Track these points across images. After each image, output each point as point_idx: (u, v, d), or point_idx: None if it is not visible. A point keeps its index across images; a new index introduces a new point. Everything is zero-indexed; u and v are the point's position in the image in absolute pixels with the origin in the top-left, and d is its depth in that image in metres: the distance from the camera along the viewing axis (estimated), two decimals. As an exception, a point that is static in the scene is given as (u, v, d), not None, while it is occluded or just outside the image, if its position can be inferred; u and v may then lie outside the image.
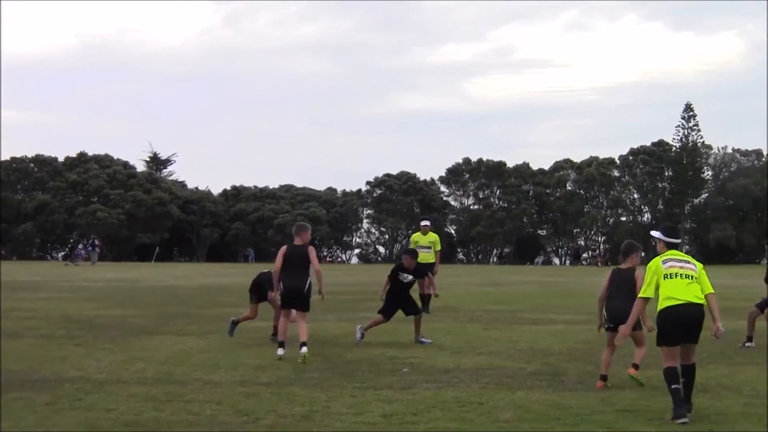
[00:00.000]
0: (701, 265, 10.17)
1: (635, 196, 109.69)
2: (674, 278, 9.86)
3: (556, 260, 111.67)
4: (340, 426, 9.29)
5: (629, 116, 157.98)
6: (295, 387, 11.50)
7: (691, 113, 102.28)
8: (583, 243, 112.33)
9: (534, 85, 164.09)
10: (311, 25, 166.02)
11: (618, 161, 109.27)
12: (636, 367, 11.72)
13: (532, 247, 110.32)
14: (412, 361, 13.90)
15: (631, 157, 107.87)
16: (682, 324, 9.73)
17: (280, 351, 14.05)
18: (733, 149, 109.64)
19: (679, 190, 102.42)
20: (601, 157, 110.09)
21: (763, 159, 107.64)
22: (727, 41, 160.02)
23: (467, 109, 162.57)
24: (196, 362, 13.78)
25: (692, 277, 9.90)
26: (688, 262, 10.07)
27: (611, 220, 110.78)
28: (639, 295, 10.22)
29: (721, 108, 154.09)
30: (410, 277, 16.66)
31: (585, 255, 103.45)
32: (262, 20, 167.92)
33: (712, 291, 10.00)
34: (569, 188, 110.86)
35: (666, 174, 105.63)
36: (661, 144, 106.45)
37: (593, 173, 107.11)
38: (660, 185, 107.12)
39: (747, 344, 15.74)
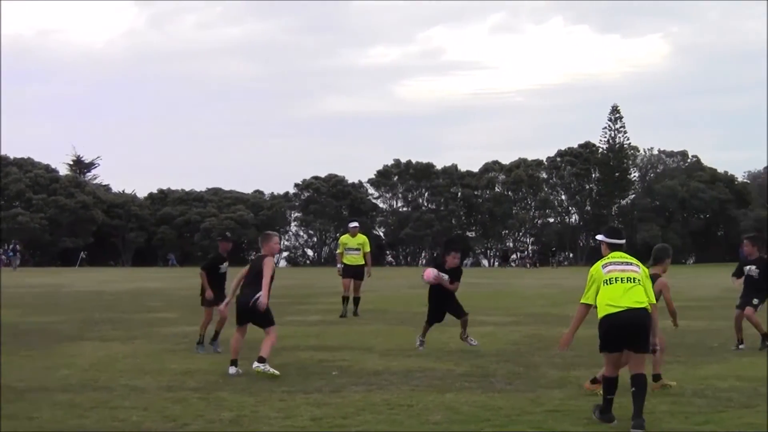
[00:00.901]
0: (646, 270, 9.79)
1: (563, 197, 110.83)
2: (613, 283, 9.46)
3: (485, 262, 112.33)
4: (269, 430, 9.17)
5: (556, 118, 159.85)
6: (223, 392, 11.34)
7: (618, 115, 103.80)
8: (511, 244, 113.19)
9: (462, 87, 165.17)
10: (237, 27, 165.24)
11: (546, 163, 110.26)
12: (658, 378, 11.30)
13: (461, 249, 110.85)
14: (342, 364, 13.80)
15: (558, 159, 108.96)
16: (622, 331, 9.33)
17: (232, 370, 12.87)
18: (660, 150, 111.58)
19: (606, 191, 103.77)
20: (530, 158, 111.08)
21: (689, 160, 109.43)
22: (653, 44, 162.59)
23: (396, 111, 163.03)
24: (122, 368, 13.54)
25: (634, 279, 9.49)
26: (630, 264, 9.67)
27: (539, 222, 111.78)
28: (581, 301, 9.76)
29: (648, 110, 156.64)
30: (446, 277, 15.80)
31: (514, 256, 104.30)
32: (187, 22, 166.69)
33: (653, 301, 9.62)
34: (498, 190, 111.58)
35: (593, 175, 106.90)
36: (588, 145, 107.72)
37: (521, 175, 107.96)
38: (587, 186, 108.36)
39: (740, 347, 15.71)
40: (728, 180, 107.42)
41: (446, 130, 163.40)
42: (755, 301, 15.98)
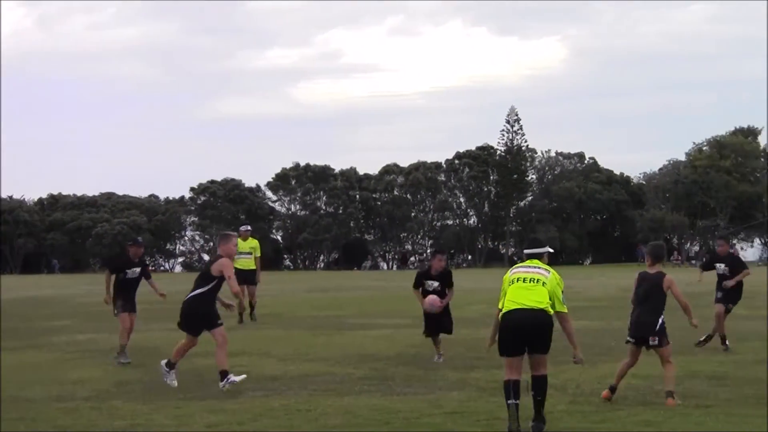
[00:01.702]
0: (558, 277, 9.48)
1: (461, 199, 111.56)
2: (515, 283, 9.36)
3: (384, 265, 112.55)
4: (163, 439, 8.96)
5: (455, 120, 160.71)
6: (116, 400, 11.06)
7: (516, 117, 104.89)
8: (410, 247, 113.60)
9: (361, 90, 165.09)
10: (130, 28, 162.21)
11: (444, 165, 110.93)
12: (671, 395, 10.40)
13: (359, 252, 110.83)
14: (239, 370, 13.57)
15: (457, 161, 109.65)
16: (519, 330, 9.13)
17: (171, 377, 12.23)
18: (557, 152, 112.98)
19: (504, 193, 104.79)
20: (428, 161, 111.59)
21: (586, 162, 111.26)
22: (550, 46, 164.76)
23: (294, 113, 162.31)
24: (9, 378, 13.09)
25: (537, 280, 9.31)
26: (539, 267, 9.49)
27: (438, 224, 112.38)
28: (498, 307, 9.53)
29: (545, 112, 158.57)
30: (436, 284, 14.82)
31: (412, 259, 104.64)
32: (77, 22, 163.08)
33: (564, 309, 9.40)
34: (396, 193, 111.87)
35: (491, 177, 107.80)
36: (486, 148, 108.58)
37: (420, 177, 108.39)
38: (485, 188, 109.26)
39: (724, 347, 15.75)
40: (624, 181, 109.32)
41: (345, 133, 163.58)
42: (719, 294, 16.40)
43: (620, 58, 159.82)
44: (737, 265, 16.61)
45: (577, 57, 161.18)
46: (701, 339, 15.83)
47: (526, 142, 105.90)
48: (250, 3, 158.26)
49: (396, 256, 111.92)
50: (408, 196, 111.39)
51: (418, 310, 14.84)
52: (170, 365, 12.18)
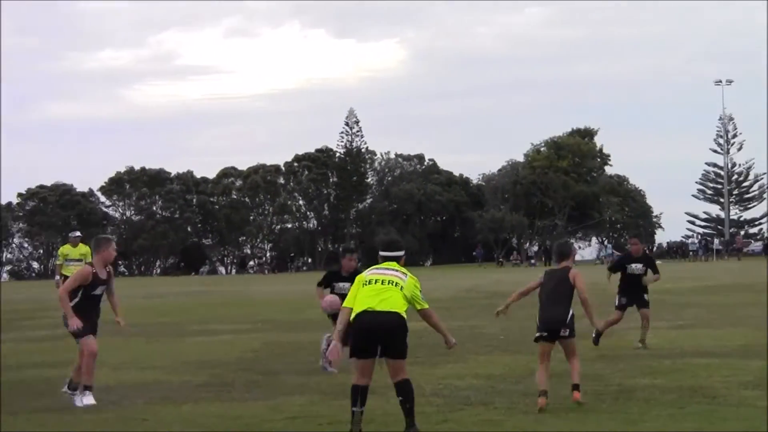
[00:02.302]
0: (415, 278, 9.24)
1: (301, 202, 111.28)
2: (369, 284, 9.06)
3: (222, 269, 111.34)
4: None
5: (293, 123, 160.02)
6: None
7: (355, 119, 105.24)
8: (249, 251, 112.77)
9: (197, 92, 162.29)
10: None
11: (283, 168, 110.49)
12: (578, 388, 10.15)
13: (197, 257, 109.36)
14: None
15: (296, 164, 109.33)
16: (372, 333, 8.81)
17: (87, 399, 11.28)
18: (396, 154, 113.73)
19: (344, 195, 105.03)
20: (267, 164, 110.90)
21: (426, 163, 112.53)
22: (389, 48, 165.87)
23: (128, 116, 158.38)
24: None
25: (394, 283, 9.03)
26: (397, 271, 9.22)
27: (277, 228, 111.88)
28: (343, 305, 9.25)
29: (384, 114, 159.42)
30: (348, 285, 12.93)
31: (252, 263, 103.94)
32: None
33: (425, 306, 9.12)
34: (234, 196, 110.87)
35: (331, 180, 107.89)
36: (325, 150, 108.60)
37: (258, 180, 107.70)
38: (325, 191, 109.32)
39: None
40: (464, 183, 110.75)
41: (181, 136, 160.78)
42: (646, 297, 15.77)
43: (459, 59, 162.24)
44: (653, 266, 16.08)
45: (415, 59, 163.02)
46: (594, 336, 15.19)
47: (365, 144, 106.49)
48: (80, 3, 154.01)
49: (235, 261, 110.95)
50: (246, 199, 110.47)
51: (259, 315, 14.62)
52: (73, 387, 11.46)
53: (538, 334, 10.24)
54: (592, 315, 10.29)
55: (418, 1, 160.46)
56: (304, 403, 10.93)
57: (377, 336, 8.84)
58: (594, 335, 15.03)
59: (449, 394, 11.17)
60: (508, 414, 9.87)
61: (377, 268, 9.30)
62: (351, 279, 12.96)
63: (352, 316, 8.97)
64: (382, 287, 9.02)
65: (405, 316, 8.95)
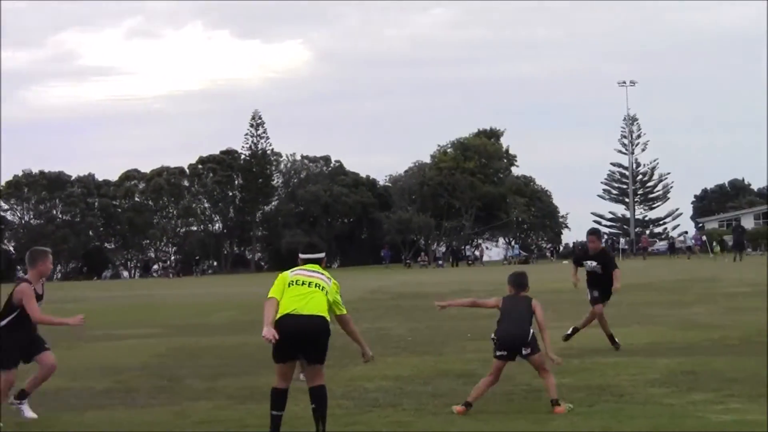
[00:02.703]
0: (337, 283, 9.11)
1: (206, 205, 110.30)
2: (296, 286, 8.83)
3: (126, 273, 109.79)
4: None
5: (198, 124, 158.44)
6: None
7: (260, 121, 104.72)
8: (153, 255, 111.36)
9: (98, 94, 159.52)
10: None
11: (188, 170, 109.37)
12: (557, 402, 9.79)
13: (99, 261, 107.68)
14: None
15: (200, 166, 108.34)
16: (295, 337, 8.58)
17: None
18: (303, 156, 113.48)
19: (249, 197, 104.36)
20: (171, 166, 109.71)
21: (332, 165, 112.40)
22: (293, 49, 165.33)
23: (26, 118, 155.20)
24: None
25: (318, 285, 8.86)
26: (321, 273, 9.07)
27: (182, 231, 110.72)
28: (268, 296, 8.85)
29: (290, 115, 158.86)
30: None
31: (156, 267, 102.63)
32: None
33: (344, 312, 9.07)
34: (137, 199, 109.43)
35: (236, 182, 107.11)
36: (230, 152, 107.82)
37: (162, 183, 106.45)
38: (230, 193, 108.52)
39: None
40: (370, 184, 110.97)
41: (82, 138, 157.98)
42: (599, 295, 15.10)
43: (364, 61, 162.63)
44: (609, 263, 15.34)
45: (320, 60, 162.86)
46: (568, 332, 15.12)
47: (270, 145, 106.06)
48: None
49: (138, 265, 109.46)
50: (150, 202, 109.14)
51: (164, 319, 14.34)
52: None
53: (498, 353, 9.97)
54: (548, 344, 10.08)
55: (322, 2, 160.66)
56: (210, 408, 10.77)
57: (302, 339, 8.66)
58: (569, 332, 15.07)
59: (358, 396, 11.10)
60: (417, 415, 9.84)
61: (302, 269, 9.08)
62: None
63: (279, 314, 8.69)
64: (308, 290, 8.82)
65: (329, 320, 8.83)
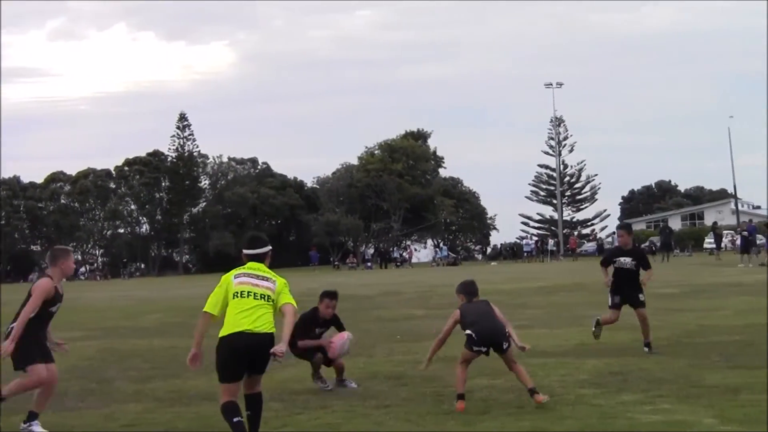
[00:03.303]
0: (283, 281, 8.74)
1: (133, 207, 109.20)
2: (241, 298, 8.40)
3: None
4: None
5: (124, 126, 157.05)
6: None
7: (186, 123, 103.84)
8: (80, 257, 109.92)
9: (21, 95, 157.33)
10: None
11: (114, 172, 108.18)
12: (536, 391, 9.94)
13: (25, 264, 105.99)
14: None
15: (126, 168, 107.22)
16: (245, 356, 8.27)
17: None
18: (230, 158, 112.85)
19: (176, 200, 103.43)
20: (98, 168, 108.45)
21: (259, 167, 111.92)
22: (219, 51, 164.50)
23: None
24: None
25: (264, 296, 8.45)
26: (267, 279, 8.65)
27: (109, 233, 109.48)
28: (203, 309, 8.50)
29: (216, 117, 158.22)
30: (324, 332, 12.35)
31: (83, 269, 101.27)
32: None
33: (292, 302, 8.62)
34: (64, 201, 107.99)
35: (163, 184, 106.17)
36: (157, 154, 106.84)
37: (89, 185, 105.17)
38: (158, 195, 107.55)
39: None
40: (298, 186, 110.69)
41: (6, 140, 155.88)
42: (641, 297, 14.36)
43: (291, 62, 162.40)
44: (643, 259, 14.73)
45: (246, 61, 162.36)
46: (648, 341, 14.27)
47: (197, 147, 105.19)
48: None
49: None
50: (76, 204, 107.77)
51: (92, 322, 14.16)
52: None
53: (477, 349, 9.96)
54: (515, 336, 10.19)
55: (247, 3, 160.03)
56: (139, 410, 10.68)
57: (251, 359, 8.31)
58: (595, 326, 14.74)
59: (288, 399, 11.07)
60: (347, 417, 9.83)
61: (246, 274, 8.63)
62: (328, 326, 12.15)
63: (226, 332, 8.30)
64: (256, 303, 8.40)
65: (274, 332, 8.43)
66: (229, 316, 8.34)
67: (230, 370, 8.29)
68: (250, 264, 8.79)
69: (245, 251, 8.92)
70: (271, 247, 9.11)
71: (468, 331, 10.03)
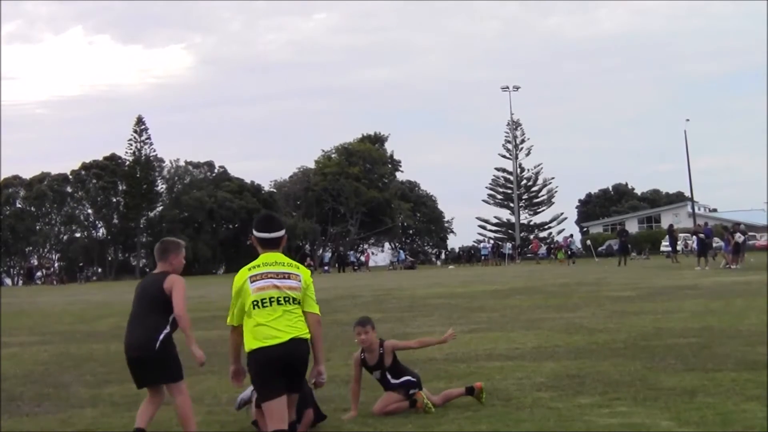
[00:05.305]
0: (308, 273, 7.78)
1: (89, 211, 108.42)
2: (263, 308, 7.34)
3: (8, 281, 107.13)
4: None
5: (80, 130, 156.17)
6: None
7: (143, 126, 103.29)
8: (36, 261, 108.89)
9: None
10: None
11: (71, 176, 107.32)
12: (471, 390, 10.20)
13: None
14: None
15: (83, 172, 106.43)
16: (279, 368, 7.28)
17: None
18: (186, 162, 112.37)
19: (133, 204, 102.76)
20: (54, 172, 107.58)
21: (216, 170, 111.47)
22: (175, 54, 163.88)
23: None
24: None
25: (289, 299, 7.41)
26: (289, 275, 7.54)
27: (65, 237, 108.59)
28: (227, 323, 7.71)
29: (173, 121, 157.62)
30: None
31: (39, 273, 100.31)
32: None
33: (317, 311, 7.64)
34: (19, 206, 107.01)
35: (120, 188, 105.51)
36: (114, 158, 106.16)
37: (44, 189, 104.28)
38: (114, 199, 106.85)
39: None
40: (255, 189, 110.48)
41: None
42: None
43: (248, 66, 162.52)
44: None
45: (203, 65, 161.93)
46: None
47: (154, 151, 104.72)
48: None
49: (21, 272, 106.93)
50: (32, 208, 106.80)
51: (48, 326, 14.05)
52: None
53: None
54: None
55: (205, 2, 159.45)
56: (96, 415, 10.61)
57: (291, 371, 7.39)
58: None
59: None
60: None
61: (263, 275, 7.51)
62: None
63: (253, 346, 7.35)
64: (281, 309, 7.37)
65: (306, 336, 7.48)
66: (252, 326, 7.39)
67: (270, 383, 7.30)
68: (264, 256, 7.72)
69: (259, 234, 7.83)
70: (285, 232, 8.01)
71: None
